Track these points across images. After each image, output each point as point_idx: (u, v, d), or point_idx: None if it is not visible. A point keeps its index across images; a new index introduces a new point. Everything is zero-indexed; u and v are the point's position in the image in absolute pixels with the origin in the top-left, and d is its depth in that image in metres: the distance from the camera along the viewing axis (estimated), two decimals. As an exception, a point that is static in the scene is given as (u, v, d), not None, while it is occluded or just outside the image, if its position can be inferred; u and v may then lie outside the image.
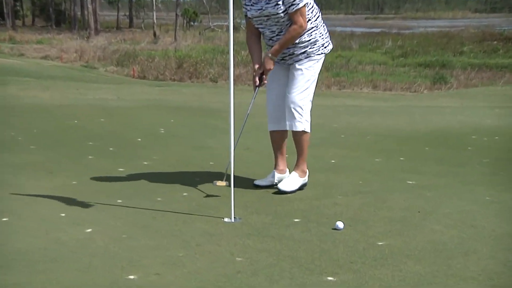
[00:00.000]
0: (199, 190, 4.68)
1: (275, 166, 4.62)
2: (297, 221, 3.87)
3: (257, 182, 4.54)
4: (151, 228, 3.69)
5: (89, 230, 3.61)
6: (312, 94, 4.39)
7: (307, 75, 4.33)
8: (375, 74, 23.26)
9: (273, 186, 4.51)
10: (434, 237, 3.55)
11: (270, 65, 4.28)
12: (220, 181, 4.21)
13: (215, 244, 3.40)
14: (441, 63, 26.31)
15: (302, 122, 4.32)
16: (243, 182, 4.94)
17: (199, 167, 5.57)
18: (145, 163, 5.71)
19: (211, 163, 5.77)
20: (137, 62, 24.43)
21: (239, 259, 3.16)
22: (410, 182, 4.97)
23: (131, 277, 2.89)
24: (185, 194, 4.55)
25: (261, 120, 9.19)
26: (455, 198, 4.46)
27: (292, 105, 4.31)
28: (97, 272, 2.92)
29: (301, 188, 4.49)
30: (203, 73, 21.79)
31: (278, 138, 4.50)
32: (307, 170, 4.46)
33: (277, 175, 4.60)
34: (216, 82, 20.42)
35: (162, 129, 7.61)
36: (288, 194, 4.56)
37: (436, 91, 18.72)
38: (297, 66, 4.33)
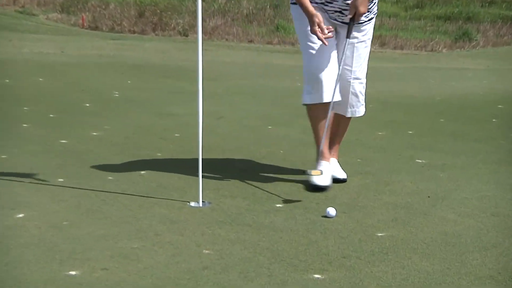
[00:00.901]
0: (160, 168, 4.68)
1: (323, 155, 4.26)
2: (279, 207, 3.90)
3: (317, 182, 4.11)
4: (99, 213, 3.69)
5: (21, 215, 3.60)
6: None
7: (369, 48, 4.24)
8: (383, 28, 23.23)
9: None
10: (446, 228, 3.59)
11: (364, 7, 3.90)
12: (315, 170, 4.04)
13: (177, 233, 3.41)
14: (465, 15, 26.35)
15: (364, 105, 4.36)
16: (215, 159, 4.95)
17: (162, 140, 5.57)
18: (94, 133, 5.69)
19: (176, 134, 5.78)
20: (87, 9, 24.17)
21: (207, 251, 3.18)
22: (420, 161, 5.01)
23: (72, 272, 2.89)
24: (142, 172, 4.55)
25: (237, 82, 9.21)
26: (474, 181, 4.51)
27: (358, 88, 4.25)
28: (30, 267, 2.92)
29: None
30: (170, 24, 21.63)
31: (330, 114, 4.16)
32: None
33: (330, 167, 4.27)
34: (187, 35, 20.29)
35: (117, 93, 7.58)
36: (271, 175, 4.59)
37: (458, 50, 18.82)
38: (361, 37, 4.12)
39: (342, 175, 4.36)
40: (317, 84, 4.05)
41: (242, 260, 3.10)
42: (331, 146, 4.42)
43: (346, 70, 4.17)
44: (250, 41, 18.90)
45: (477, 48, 18.68)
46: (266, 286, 2.80)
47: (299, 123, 6.39)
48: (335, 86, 4.05)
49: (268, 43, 18.71)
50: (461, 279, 2.93)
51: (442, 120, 6.78)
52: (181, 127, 6.02)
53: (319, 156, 4.25)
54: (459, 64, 12.61)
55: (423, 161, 5.03)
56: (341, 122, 4.40)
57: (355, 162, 5.00)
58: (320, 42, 3.95)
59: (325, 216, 3.70)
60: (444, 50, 19.12)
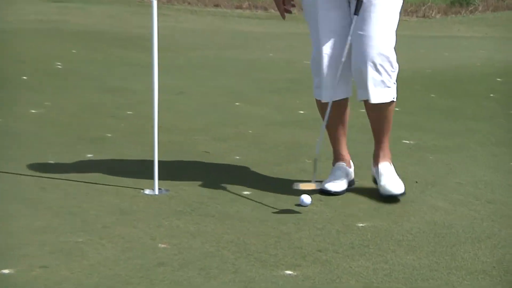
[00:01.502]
0: (110, 150, 4.67)
1: (339, 157, 4.03)
2: (247, 195, 3.91)
3: (329, 187, 3.87)
4: (38, 203, 3.67)
5: None
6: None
7: (394, 11, 3.67)
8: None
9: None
10: (435, 217, 3.64)
11: None
12: (305, 183, 3.73)
13: (129, 225, 3.42)
14: (463, -26, 26.44)
15: (391, 87, 3.70)
16: (173, 140, 4.95)
17: (113, 118, 5.55)
18: (33, 111, 5.65)
19: (129, 112, 5.76)
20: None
21: (163, 246, 3.19)
22: (407, 142, 5.06)
23: (6, 271, 2.88)
24: (89, 156, 4.54)
25: (201, 52, 9.19)
26: (469, 165, 4.57)
27: (378, 59, 3.62)
28: (-42, 265, 2.91)
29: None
30: (123, -15, 21.45)
31: (342, 111, 3.96)
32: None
33: (347, 169, 3.99)
34: (142, -3, 20.13)
35: (59, 64, 7.50)
36: (238, 158, 4.60)
37: (453, 16, 18.92)
38: None
39: (395, 188, 3.76)
40: (319, 80, 3.84)
41: (204, 255, 3.11)
42: (375, 146, 3.95)
43: (362, 37, 3.63)
44: (216, 5, 18.82)
45: (475, 14, 18.80)
46: (231, 284, 2.83)
47: (271, 99, 6.42)
48: (337, 83, 3.72)
49: (237, 7, 18.63)
50: (451, 274, 2.98)
51: (433, 95, 6.84)
52: (135, 104, 5.99)
53: (333, 156, 4.04)
54: (454, 31, 12.71)
55: (411, 142, 5.08)
56: (369, 113, 3.88)
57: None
58: (330, 31, 3.70)
59: (299, 205, 3.72)
60: (437, 16, 19.21)
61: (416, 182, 4.17)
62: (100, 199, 3.76)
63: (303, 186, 3.71)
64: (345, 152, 4.05)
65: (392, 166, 3.89)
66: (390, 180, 3.78)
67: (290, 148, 4.86)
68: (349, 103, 4.02)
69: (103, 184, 3.99)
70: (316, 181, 3.77)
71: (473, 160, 4.68)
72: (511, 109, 6.29)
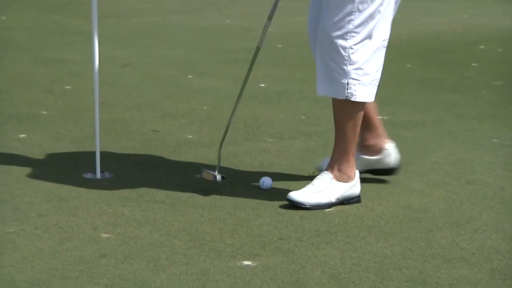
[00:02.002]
0: (45, 129, 4.65)
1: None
2: (200, 178, 3.93)
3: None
4: (-36, 190, 3.66)
5: None
6: (375, 33, 3.52)
7: None
8: None
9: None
10: (410, 200, 3.69)
11: None
12: (208, 172, 3.75)
13: (68, 213, 3.41)
14: None
15: (344, 82, 3.55)
16: (118, 118, 4.94)
17: (48, 94, 5.51)
18: (-43, 86, 5.61)
19: (67, 87, 5.73)
20: None
21: (106, 235, 3.19)
22: (380, 117, 5.09)
23: None
24: (22, 136, 4.52)
25: (148, 19, 9.13)
26: (447, 141, 4.63)
27: (325, 46, 3.58)
28: None
29: (341, 202, 3.59)
30: None
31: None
32: (355, 172, 3.64)
33: (365, 158, 3.88)
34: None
35: (-14, 32, 7.44)
36: (191, 137, 4.61)
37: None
38: None
39: (295, 195, 3.61)
40: None
41: (152, 245, 3.12)
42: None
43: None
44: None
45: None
46: (182, 277, 2.84)
47: (227, 71, 6.42)
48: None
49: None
50: (426, 262, 3.02)
51: (409, 65, 6.90)
52: (73, 78, 5.96)
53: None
54: (433, -6, 12.77)
55: (384, 117, 5.12)
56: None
57: (298, 119, 5.06)
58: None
59: (261, 189, 3.75)
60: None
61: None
62: (35, 185, 3.75)
63: (205, 175, 3.76)
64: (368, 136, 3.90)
65: (332, 179, 3.60)
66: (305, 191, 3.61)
67: (248, 126, 4.88)
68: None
69: (37, 168, 3.98)
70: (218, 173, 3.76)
71: (451, 136, 4.74)
72: (495, 80, 6.36)
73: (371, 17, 3.50)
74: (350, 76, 3.51)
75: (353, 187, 3.62)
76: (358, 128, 3.61)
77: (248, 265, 2.97)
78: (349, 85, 3.51)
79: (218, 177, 3.72)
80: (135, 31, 8.24)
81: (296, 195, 3.55)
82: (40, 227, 3.26)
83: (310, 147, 4.46)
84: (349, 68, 3.51)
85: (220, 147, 3.82)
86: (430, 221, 3.45)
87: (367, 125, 3.81)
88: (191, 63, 6.76)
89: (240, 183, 3.85)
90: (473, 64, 6.93)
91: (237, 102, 3.87)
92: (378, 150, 3.86)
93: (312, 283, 2.81)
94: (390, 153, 3.86)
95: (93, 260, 2.96)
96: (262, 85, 5.97)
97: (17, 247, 3.05)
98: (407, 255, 3.08)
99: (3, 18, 8.10)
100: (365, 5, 3.49)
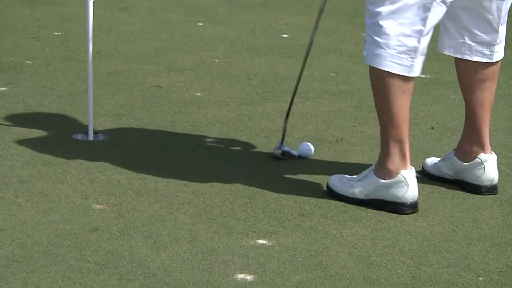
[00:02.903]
0: (29, 82, 4.66)
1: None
2: (210, 142, 3.95)
3: (429, 169, 3.72)
4: None
5: None
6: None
7: None
8: None
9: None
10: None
11: None
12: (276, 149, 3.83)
13: (55, 180, 3.44)
14: None
15: (366, 48, 3.36)
16: (114, 70, 4.96)
17: (34, 40, 5.53)
18: None
19: (56, 33, 5.74)
20: None
21: (99, 207, 3.21)
22: (422, 76, 5.09)
23: None
24: (2, 89, 4.54)
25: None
26: (502, 105, 4.61)
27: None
28: None
29: (373, 203, 3.37)
30: None
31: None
32: (395, 163, 3.36)
33: (456, 161, 3.67)
34: None
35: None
36: (199, 95, 4.61)
37: None
38: None
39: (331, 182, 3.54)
40: None
41: (151, 218, 3.14)
42: None
43: None
44: None
45: None
46: (186, 256, 2.86)
47: (244, 19, 6.40)
48: None
49: None
50: (472, 245, 3.02)
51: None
52: (63, 22, 5.95)
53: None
54: None
55: (427, 76, 5.12)
56: None
57: (327, 76, 5.06)
58: None
59: (283, 155, 3.77)
60: None
61: (432, 128, 4.23)
62: (16, 146, 3.77)
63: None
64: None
65: (370, 174, 3.42)
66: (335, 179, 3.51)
67: (267, 83, 4.88)
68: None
69: (19, 127, 4.00)
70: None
71: (506, 99, 4.73)
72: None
73: None
74: (368, 32, 3.34)
75: (392, 188, 3.32)
76: (394, 105, 3.29)
77: (263, 244, 2.98)
78: (365, 43, 3.36)
79: (277, 151, 3.76)
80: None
81: (332, 177, 3.47)
82: (22, 195, 3.28)
83: (339, 109, 4.46)
84: (367, 20, 3.34)
85: (286, 118, 3.82)
86: (477, 198, 3.46)
87: (468, 125, 3.63)
88: (202, 7, 6.74)
89: (256, 150, 3.87)
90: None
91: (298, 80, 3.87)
92: (471, 157, 3.59)
93: (337, 267, 2.82)
94: (485, 166, 3.56)
95: (83, 234, 2.98)
96: (285, 35, 5.96)
97: (-5, 219, 3.09)
98: (449, 237, 3.09)
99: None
100: None
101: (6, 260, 2.75)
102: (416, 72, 3.26)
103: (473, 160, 3.54)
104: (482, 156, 3.52)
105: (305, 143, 3.82)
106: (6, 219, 3.07)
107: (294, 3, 6.99)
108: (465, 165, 3.56)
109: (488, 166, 3.52)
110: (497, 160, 3.54)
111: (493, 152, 3.54)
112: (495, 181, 3.53)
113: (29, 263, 2.74)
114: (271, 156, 3.78)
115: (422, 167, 3.70)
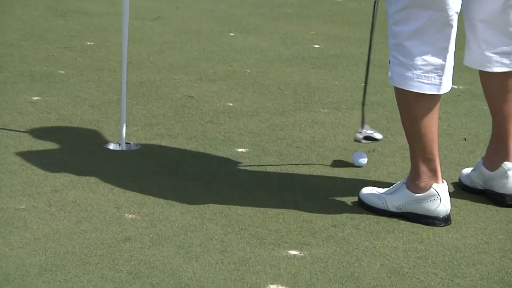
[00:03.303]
0: (63, 91, 4.68)
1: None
2: (241, 152, 3.95)
3: (463, 179, 3.69)
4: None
5: None
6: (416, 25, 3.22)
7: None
8: None
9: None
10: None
11: None
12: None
13: (87, 189, 3.44)
14: None
15: (392, 69, 3.36)
16: (147, 80, 4.97)
17: (67, 50, 5.54)
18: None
19: (89, 43, 5.76)
20: None
21: (131, 216, 3.21)
22: (455, 87, 5.05)
23: None
24: (35, 99, 4.56)
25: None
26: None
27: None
28: None
29: (406, 216, 3.32)
30: None
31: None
32: (429, 184, 3.33)
33: (483, 170, 3.63)
34: None
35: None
36: (231, 105, 4.61)
37: None
38: None
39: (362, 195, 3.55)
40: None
41: (183, 229, 3.14)
42: None
43: None
44: None
45: None
46: (218, 266, 2.85)
47: (275, 29, 6.40)
48: None
49: None
50: (505, 257, 2.99)
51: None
52: (97, 32, 5.97)
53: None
54: None
55: (460, 86, 5.10)
56: None
57: (358, 87, 5.04)
58: None
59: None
60: None
61: (465, 139, 4.20)
62: (49, 155, 3.78)
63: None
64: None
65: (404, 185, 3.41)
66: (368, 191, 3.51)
67: (299, 93, 4.88)
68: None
69: (52, 136, 4.02)
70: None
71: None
72: None
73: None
74: (392, 53, 3.33)
75: (424, 202, 3.29)
76: (421, 126, 3.27)
77: (294, 255, 2.97)
78: (390, 64, 3.33)
79: (359, 135, 3.73)
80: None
81: (364, 189, 3.45)
82: (55, 204, 3.29)
83: (371, 119, 4.44)
84: (391, 41, 3.33)
85: (363, 104, 3.79)
86: (510, 210, 3.43)
87: (494, 134, 3.59)
88: (233, 18, 6.76)
89: (287, 160, 3.86)
90: None
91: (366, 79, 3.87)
92: (497, 166, 3.54)
93: (369, 278, 2.81)
94: (508, 175, 3.50)
95: (115, 244, 2.98)
96: (316, 46, 5.95)
97: (28, 227, 3.08)
98: (482, 249, 3.06)
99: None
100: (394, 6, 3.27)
101: (39, 269, 2.76)
102: (445, 89, 3.24)
103: (498, 168, 3.50)
104: (506, 164, 3.48)
105: (361, 152, 3.86)
106: (40, 228, 3.08)
107: (326, 13, 6.99)
108: (492, 173, 3.53)
109: None
110: None
111: None
112: None
113: (62, 272, 2.75)
114: (305, 167, 3.77)
115: (459, 178, 3.68)
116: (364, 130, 3.77)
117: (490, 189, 3.53)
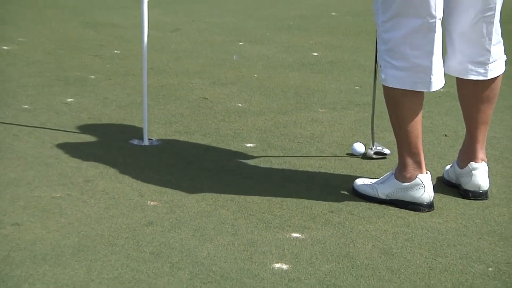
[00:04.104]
0: (92, 94, 4.67)
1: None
2: (249, 147, 3.94)
3: (444, 174, 3.65)
4: (10, 152, 3.69)
5: None
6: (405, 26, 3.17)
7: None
8: None
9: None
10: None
11: None
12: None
13: (115, 180, 3.44)
14: None
15: (384, 72, 3.30)
16: (166, 83, 4.96)
17: (96, 58, 5.55)
18: (5, 47, 5.66)
19: (116, 51, 5.76)
20: None
21: (153, 203, 3.21)
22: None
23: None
24: (69, 100, 4.55)
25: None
26: (507, 115, 4.56)
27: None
28: None
29: (394, 203, 3.29)
30: None
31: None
32: (415, 174, 3.31)
33: (455, 167, 3.58)
34: None
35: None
36: (241, 105, 4.60)
37: None
38: None
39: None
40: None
41: (199, 214, 3.13)
42: None
43: None
44: None
45: None
46: (229, 247, 2.84)
47: (279, 39, 6.40)
48: None
49: None
50: (482, 239, 2.98)
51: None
52: (122, 42, 5.98)
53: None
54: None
55: (442, 89, 5.05)
56: None
57: (352, 89, 5.02)
58: None
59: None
60: None
61: (446, 135, 4.19)
62: (81, 150, 3.78)
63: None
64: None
65: (390, 178, 3.38)
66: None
67: (300, 95, 4.86)
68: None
69: (84, 133, 4.01)
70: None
71: (511, 110, 4.67)
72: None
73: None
74: (383, 57, 3.28)
75: (410, 190, 3.28)
76: (407, 123, 3.25)
77: (297, 237, 2.96)
78: (382, 67, 3.30)
79: (370, 151, 3.83)
80: (186, -4, 8.24)
81: (357, 179, 3.43)
82: (87, 193, 3.29)
83: (363, 118, 4.43)
84: (382, 46, 3.30)
85: (372, 127, 3.87)
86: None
87: (466, 136, 3.54)
88: (242, 30, 6.74)
89: (290, 154, 3.84)
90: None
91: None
92: (465, 164, 3.48)
93: (362, 258, 2.80)
94: (474, 174, 3.44)
95: (139, 228, 2.98)
96: (315, 53, 5.94)
97: (63, 212, 3.08)
98: (461, 232, 3.05)
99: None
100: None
101: (73, 250, 2.75)
102: (436, 86, 3.22)
103: (465, 167, 3.46)
104: (472, 164, 3.44)
105: (359, 143, 3.89)
106: (73, 213, 3.07)
107: (323, 25, 6.98)
108: (461, 171, 3.49)
109: (476, 174, 3.42)
110: (487, 169, 3.44)
111: (483, 162, 3.44)
112: (484, 188, 3.42)
113: (92, 252, 2.74)
114: (306, 159, 3.76)
115: (443, 173, 3.65)
116: (374, 147, 3.83)
117: (459, 184, 3.49)
